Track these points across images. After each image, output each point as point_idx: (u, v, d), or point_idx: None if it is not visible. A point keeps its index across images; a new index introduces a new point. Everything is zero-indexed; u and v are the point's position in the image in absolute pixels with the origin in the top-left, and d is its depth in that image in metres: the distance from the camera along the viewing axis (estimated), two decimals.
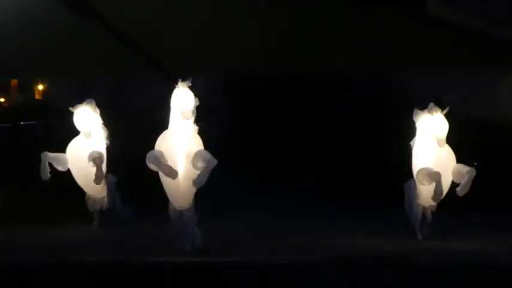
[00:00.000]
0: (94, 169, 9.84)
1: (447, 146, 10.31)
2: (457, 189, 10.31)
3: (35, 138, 15.88)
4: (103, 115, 12.16)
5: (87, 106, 11.41)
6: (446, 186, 9.65)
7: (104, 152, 10.46)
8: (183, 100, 7.52)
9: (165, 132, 7.68)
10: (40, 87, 24.42)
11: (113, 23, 5.40)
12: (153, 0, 5.09)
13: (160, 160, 7.42)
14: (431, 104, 10.88)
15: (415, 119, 11.01)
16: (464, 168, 10.55)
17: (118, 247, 9.23)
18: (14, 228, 11.10)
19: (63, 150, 13.36)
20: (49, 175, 10.44)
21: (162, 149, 7.54)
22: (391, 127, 11.79)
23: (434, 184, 9.89)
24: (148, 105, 20.04)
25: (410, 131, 11.60)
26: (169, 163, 7.39)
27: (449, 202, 11.31)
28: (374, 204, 12.48)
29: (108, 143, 11.06)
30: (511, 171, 14.17)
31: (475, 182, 11.22)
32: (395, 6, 4.77)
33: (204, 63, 5.98)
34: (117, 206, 10.89)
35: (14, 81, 23.06)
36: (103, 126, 11.74)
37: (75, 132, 14.14)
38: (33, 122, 17.41)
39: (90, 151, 9.73)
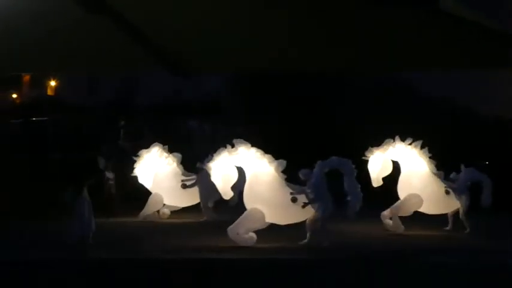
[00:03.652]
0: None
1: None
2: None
3: (45, 135, 15.89)
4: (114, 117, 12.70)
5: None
6: None
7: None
8: None
9: None
10: (52, 83, 24.47)
11: (123, 18, 5.36)
12: None
13: None
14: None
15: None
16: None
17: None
18: (19, 224, 11.13)
19: (72, 148, 13.53)
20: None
21: None
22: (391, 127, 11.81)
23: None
24: (160, 102, 20.11)
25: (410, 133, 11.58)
26: None
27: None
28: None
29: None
30: None
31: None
32: (406, 4, 4.68)
33: (216, 60, 5.93)
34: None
35: (26, 77, 23.08)
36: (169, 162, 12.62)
37: (86, 129, 14.17)
38: (44, 119, 17.46)
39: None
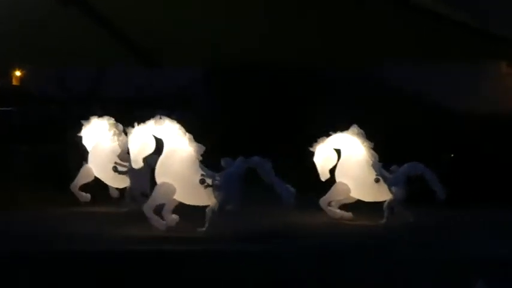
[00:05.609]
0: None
1: None
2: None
3: (10, 126, 15.69)
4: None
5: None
6: None
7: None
8: None
9: None
10: (17, 73, 24.18)
11: (94, 11, 5.30)
12: None
13: None
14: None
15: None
16: None
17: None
18: None
19: (39, 138, 13.29)
20: (89, 196, 11.64)
21: None
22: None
23: None
24: (129, 94, 20.00)
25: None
26: None
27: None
28: None
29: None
30: (490, 164, 14.28)
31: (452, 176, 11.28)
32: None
33: (187, 53, 5.91)
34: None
35: None
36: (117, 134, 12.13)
37: (52, 120, 13.96)
38: (9, 109, 17.21)
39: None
